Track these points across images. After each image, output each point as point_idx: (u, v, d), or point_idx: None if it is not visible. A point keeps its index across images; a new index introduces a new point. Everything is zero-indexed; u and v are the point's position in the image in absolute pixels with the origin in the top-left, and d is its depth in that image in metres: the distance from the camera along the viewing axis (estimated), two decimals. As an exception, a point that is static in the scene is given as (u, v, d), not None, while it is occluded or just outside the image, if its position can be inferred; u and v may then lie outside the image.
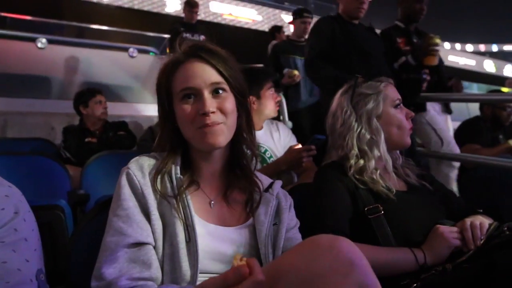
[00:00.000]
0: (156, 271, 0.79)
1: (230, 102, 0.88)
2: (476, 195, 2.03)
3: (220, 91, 0.87)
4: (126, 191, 0.83)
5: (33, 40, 3.89)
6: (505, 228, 1.01)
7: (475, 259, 0.99)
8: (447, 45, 13.95)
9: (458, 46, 16.71)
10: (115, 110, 3.24)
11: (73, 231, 1.03)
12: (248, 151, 0.96)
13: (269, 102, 1.90)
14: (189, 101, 0.86)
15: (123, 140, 2.75)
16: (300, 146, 1.78)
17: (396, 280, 0.99)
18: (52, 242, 1.02)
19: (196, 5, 4.55)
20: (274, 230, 0.92)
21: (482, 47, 19.69)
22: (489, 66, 16.70)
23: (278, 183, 1.00)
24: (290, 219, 0.96)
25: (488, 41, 20.11)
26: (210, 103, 0.85)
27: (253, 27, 10.17)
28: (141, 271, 0.76)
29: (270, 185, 0.97)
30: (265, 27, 10.06)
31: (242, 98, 0.92)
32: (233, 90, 0.90)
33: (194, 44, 0.91)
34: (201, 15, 9.58)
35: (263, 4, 10.61)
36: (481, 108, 3.42)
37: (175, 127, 0.90)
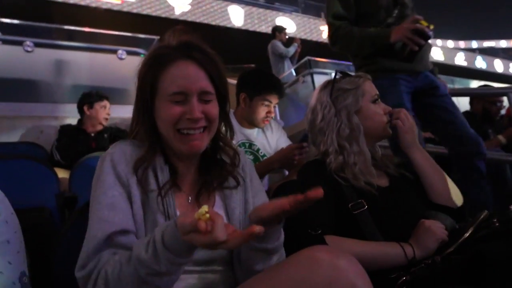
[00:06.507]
0: None
1: (215, 109, 0.88)
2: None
3: (208, 99, 0.86)
4: (110, 178, 0.82)
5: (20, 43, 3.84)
6: (495, 220, 1.02)
7: (463, 250, 0.99)
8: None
9: (439, 42, 17.08)
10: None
11: (57, 233, 1.01)
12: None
13: (258, 111, 1.87)
14: (177, 103, 0.84)
15: None
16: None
17: (385, 273, 0.99)
18: (38, 245, 1.00)
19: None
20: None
21: (461, 44, 20.15)
22: (479, 62, 16.93)
23: (242, 153, 1.01)
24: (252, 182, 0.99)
25: (468, 37, 20.78)
26: (198, 108, 0.84)
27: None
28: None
29: (238, 158, 0.97)
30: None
31: (224, 105, 0.92)
32: (219, 98, 0.89)
33: (187, 41, 0.87)
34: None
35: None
36: (471, 103, 3.44)
37: (153, 122, 0.88)
